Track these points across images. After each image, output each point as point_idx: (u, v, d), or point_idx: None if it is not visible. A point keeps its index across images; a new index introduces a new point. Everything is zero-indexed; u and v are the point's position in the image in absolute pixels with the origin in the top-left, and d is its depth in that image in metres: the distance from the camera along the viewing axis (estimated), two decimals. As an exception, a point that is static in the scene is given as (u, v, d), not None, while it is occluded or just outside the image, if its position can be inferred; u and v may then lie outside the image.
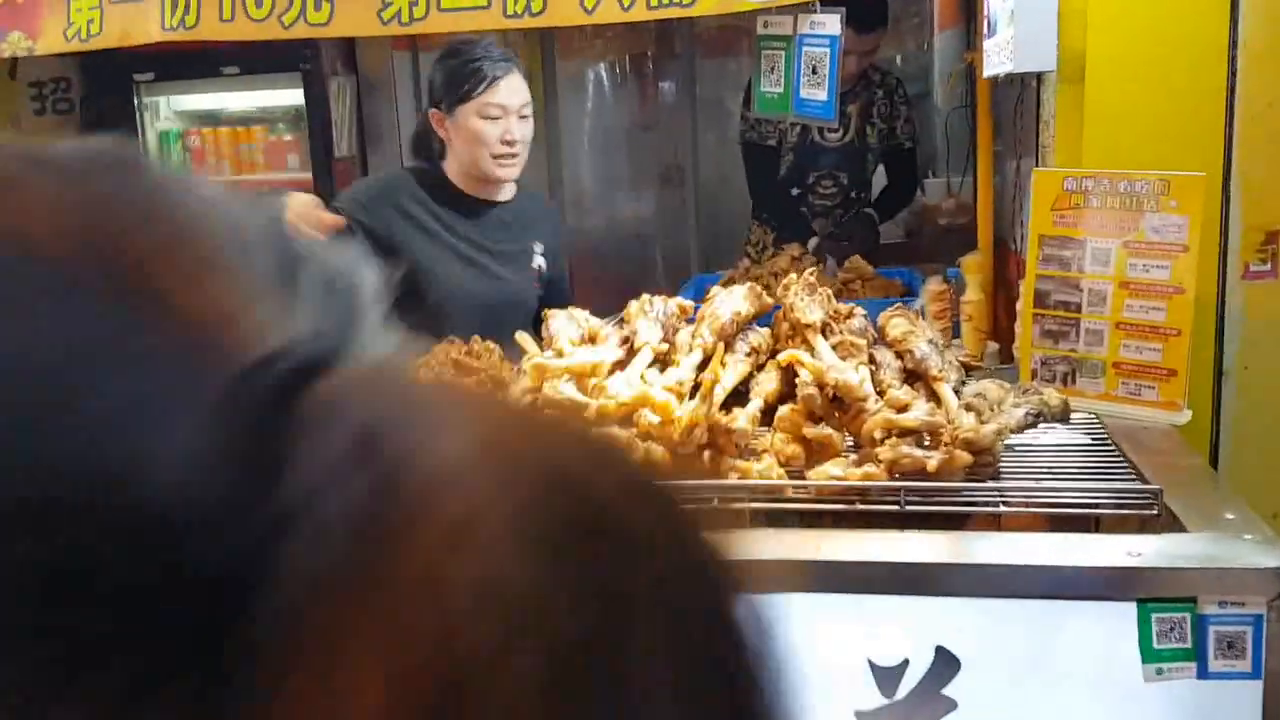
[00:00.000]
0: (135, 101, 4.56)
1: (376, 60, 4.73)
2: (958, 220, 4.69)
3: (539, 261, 3.07)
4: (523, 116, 2.87)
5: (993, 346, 2.76)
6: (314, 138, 4.57)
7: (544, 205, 3.27)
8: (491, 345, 2.63)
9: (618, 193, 5.09)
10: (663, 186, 5.51)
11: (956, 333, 2.78)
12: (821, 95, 3.15)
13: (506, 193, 3.07)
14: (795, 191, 4.17)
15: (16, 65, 4.63)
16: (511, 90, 2.85)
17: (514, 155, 2.89)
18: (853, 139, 4.11)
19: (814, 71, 3.16)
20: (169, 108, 4.77)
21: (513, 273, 3.00)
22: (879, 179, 4.36)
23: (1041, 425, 1.97)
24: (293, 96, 4.58)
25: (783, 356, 1.92)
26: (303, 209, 2.68)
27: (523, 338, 2.45)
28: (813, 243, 4.11)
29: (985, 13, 2.66)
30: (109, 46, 3.47)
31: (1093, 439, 1.99)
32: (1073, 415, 2.03)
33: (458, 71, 2.89)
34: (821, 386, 1.83)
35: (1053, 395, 1.99)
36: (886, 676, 1.54)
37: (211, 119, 4.87)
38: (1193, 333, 2.01)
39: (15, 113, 4.80)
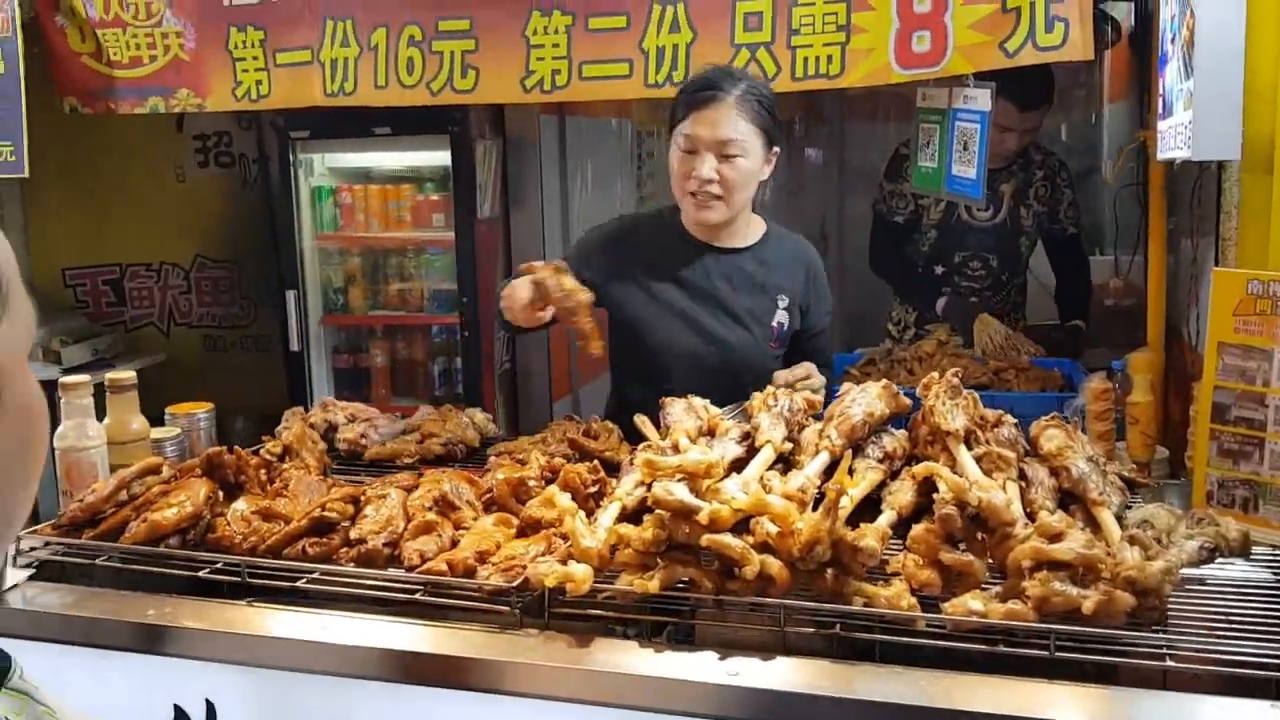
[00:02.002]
0: (291, 157, 4.68)
1: (524, 123, 4.73)
2: (1125, 302, 4.41)
3: (780, 317, 2.71)
4: (726, 156, 2.52)
5: (1161, 453, 2.49)
6: (459, 198, 4.58)
7: (799, 248, 2.82)
8: (611, 425, 2.52)
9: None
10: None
11: (1120, 435, 2.52)
12: (970, 173, 2.97)
13: (745, 237, 2.73)
14: (939, 270, 3.96)
15: (183, 119, 4.84)
16: (707, 122, 2.52)
17: (710, 195, 2.56)
18: (1005, 220, 3.88)
19: (964, 148, 2.98)
20: (323, 165, 4.88)
21: (739, 330, 2.67)
22: (1041, 264, 4.11)
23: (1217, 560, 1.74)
24: (441, 157, 4.62)
25: (919, 469, 1.74)
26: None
27: (641, 421, 2.33)
28: (941, 302, 3.90)
29: (1160, 90, 2.43)
30: (274, 108, 3.67)
31: (1277, 579, 1.75)
32: (1254, 549, 1.79)
33: (676, 98, 2.65)
34: (962, 505, 1.64)
35: (1231, 526, 1.76)
36: None
37: (363, 176, 4.95)
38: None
39: (180, 164, 5.00)
